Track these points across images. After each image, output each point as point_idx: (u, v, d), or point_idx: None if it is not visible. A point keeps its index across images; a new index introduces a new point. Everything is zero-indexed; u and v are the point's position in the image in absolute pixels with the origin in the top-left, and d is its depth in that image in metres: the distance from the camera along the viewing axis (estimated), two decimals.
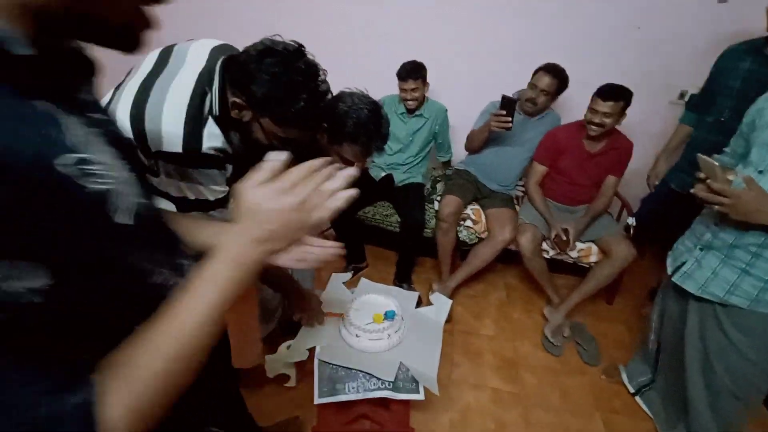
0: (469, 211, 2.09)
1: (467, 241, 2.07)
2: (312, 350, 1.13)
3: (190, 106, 0.78)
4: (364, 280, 1.43)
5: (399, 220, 2.09)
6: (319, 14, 2.47)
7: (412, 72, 1.94)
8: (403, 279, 2.17)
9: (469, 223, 2.07)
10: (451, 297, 1.99)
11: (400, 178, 2.20)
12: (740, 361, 1.09)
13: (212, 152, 0.81)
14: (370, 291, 1.29)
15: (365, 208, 2.20)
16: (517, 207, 2.13)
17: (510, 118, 1.76)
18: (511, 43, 2.24)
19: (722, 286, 1.05)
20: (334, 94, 1.05)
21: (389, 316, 1.15)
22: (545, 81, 1.83)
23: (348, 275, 1.44)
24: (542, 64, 1.87)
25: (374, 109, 1.08)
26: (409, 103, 2.02)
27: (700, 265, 1.10)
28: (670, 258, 1.24)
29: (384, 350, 1.11)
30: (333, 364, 1.07)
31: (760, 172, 0.96)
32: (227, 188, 0.88)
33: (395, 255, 2.20)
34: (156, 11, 0.38)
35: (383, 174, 2.22)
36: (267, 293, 1.49)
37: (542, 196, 1.97)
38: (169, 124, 0.77)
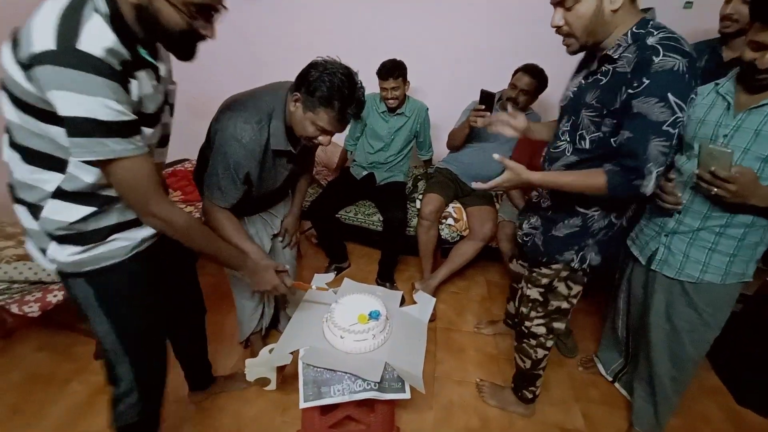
0: (450, 209, 2.11)
1: (449, 238, 2.09)
2: (295, 353, 1.11)
3: (67, 6, 0.67)
4: (347, 280, 1.41)
5: (381, 218, 2.09)
6: (298, 13, 2.42)
7: (392, 71, 1.94)
8: (385, 278, 2.17)
9: (450, 221, 2.08)
10: (433, 295, 2.01)
11: (381, 176, 2.19)
12: (705, 329, 1.19)
13: (97, 53, 0.66)
14: (354, 291, 1.28)
15: (347, 207, 2.19)
16: (497, 204, 2.17)
17: (489, 113, 1.78)
18: (492, 44, 2.27)
19: (696, 267, 1.13)
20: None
21: (374, 316, 1.14)
22: (525, 81, 1.87)
23: (331, 275, 1.42)
24: (522, 64, 1.90)
25: (348, 74, 1.04)
26: (390, 101, 2.02)
27: (671, 250, 1.17)
28: (635, 248, 1.30)
29: (369, 351, 1.10)
30: (318, 367, 1.05)
31: None
32: (133, 117, 0.74)
33: (377, 253, 2.19)
34: None
35: (365, 173, 2.21)
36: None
37: (521, 196, 2.00)
38: (39, 20, 0.66)
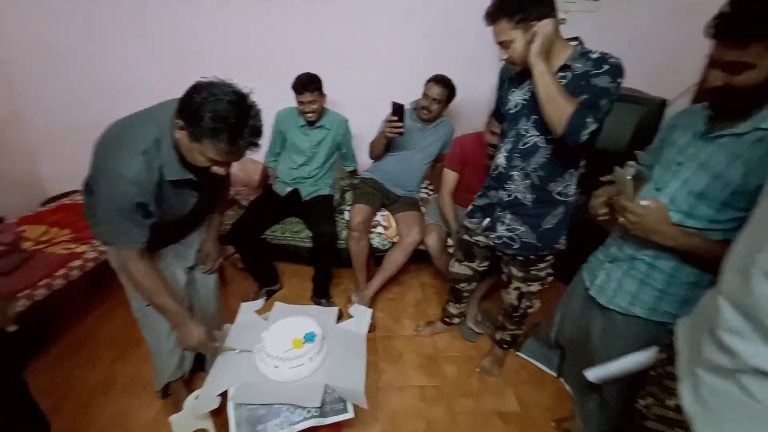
0: (379, 217, 2.14)
1: (381, 246, 2.12)
2: (224, 394, 1.03)
3: None
4: (278, 304, 1.35)
5: (310, 234, 2.04)
6: (203, 27, 2.28)
7: (308, 84, 1.92)
8: (320, 294, 2.12)
9: (380, 229, 2.11)
10: (370, 304, 2.01)
11: (307, 191, 2.15)
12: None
13: None
14: (287, 314, 1.22)
15: (272, 226, 2.10)
16: (423, 209, 2.25)
17: (401, 123, 1.84)
18: (406, 56, 2.37)
19: (626, 298, 1.08)
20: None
21: (309, 338, 1.10)
22: (436, 90, 1.98)
23: (260, 302, 1.34)
24: (431, 75, 2.01)
25: (237, 99, 0.91)
26: (309, 115, 1.99)
27: (609, 278, 1.13)
28: (585, 272, 1.26)
29: (306, 375, 1.06)
30: (251, 404, 0.98)
31: (657, 189, 0.97)
32: None
33: (310, 270, 2.13)
34: None
35: (289, 189, 2.14)
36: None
37: (453, 206, 2.01)
38: None
